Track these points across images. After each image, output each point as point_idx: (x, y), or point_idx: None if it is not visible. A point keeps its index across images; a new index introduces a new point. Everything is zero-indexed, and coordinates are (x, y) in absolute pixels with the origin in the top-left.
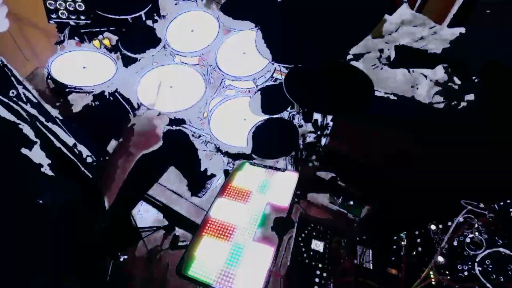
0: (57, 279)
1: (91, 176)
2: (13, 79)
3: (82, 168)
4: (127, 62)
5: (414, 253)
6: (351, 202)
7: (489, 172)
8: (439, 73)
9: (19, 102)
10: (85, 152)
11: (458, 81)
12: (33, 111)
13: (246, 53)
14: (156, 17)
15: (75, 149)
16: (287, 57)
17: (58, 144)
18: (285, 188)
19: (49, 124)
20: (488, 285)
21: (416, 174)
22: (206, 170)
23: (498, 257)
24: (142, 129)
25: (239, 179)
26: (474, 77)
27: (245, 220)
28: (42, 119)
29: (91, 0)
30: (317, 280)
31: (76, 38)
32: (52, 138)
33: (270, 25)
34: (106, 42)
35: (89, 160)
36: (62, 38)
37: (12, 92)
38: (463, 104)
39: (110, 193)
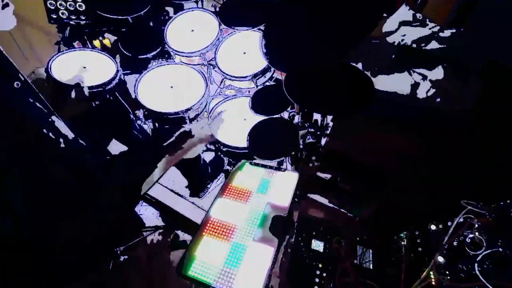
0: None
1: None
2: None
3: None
4: (127, 62)
5: (414, 253)
6: (351, 202)
7: (489, 172)
8: (439, 73)
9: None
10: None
11: (458, 81)
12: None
13: (246, 53)
14: (156, 17)
15: (73, 143)
16: (287, 58)
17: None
18: (285, 188)
19: (53, 117)
20: (488, 285)
21: (416, 174)
22: (206, 170)
23: (498, 257)
24: None
25: (239, 179)
26: (474, 77)
27: (245, 220)
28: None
29: (91, 0)
30: (317, 280)
31: (76, 38)
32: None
33: (270, 25)
34: (106, 42)
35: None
36: (62, 38)
37: (17, 84)
38: (463, 104)
39: None
